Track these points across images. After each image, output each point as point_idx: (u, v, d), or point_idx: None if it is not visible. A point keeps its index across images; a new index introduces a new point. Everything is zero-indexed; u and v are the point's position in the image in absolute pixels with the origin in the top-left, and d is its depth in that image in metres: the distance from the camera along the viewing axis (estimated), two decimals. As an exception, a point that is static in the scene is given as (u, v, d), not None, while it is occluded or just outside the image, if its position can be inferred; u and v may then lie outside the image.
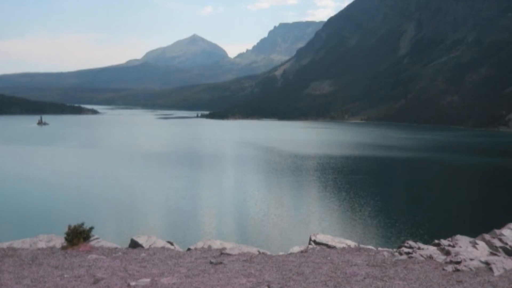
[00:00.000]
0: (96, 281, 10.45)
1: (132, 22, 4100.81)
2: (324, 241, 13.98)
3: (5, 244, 13.99)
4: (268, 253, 13.56)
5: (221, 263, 11.95)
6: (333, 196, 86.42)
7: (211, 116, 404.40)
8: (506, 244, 12.82)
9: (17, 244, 14.06)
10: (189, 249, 14.02)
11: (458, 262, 11.49)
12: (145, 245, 14.05)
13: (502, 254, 12.44)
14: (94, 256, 12.79)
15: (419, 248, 13.02)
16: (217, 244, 14.29)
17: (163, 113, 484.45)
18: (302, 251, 13.50)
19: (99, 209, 75.13)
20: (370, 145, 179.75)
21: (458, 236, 13.59)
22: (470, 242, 13.12)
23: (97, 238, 14.61)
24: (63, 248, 13.69)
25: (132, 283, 10.21)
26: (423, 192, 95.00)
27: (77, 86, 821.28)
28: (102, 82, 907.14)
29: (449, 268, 11.21)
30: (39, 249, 13.62)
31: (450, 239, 13.46)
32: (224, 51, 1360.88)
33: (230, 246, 13.95)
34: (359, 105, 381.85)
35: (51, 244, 14.13)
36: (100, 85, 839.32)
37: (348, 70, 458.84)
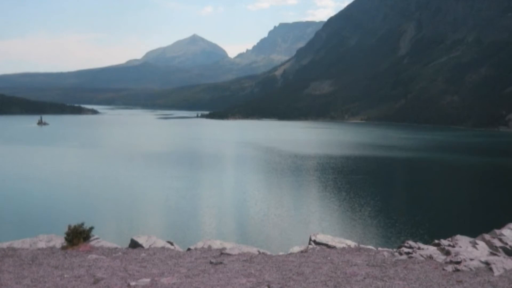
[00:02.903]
0: (96, 281, 10.45)
1: (132, 22, 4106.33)
2: (324, 241, 13.97)
3: (5, 244, 13.98)
4: (268, 253, 13.55)
5: (221, 263, 11.94)
6: (333, 196, 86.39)
7: (211, 116, 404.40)
8: (506, 244, 12.82)
9: (17, 244, 14.05)
10: (189, 249, 14.01)
11: (458, 262, 11.48)
12: (145, 245, 14.04)
13: (502, 254, 12.44)
14: (94, 256, 12.78)
15: (419, 248, 13.01)
16: (217, 244, 14.28)
17: (163, 113, 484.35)
18: (302, 251, 13.49)
19: (99, 209, 75.11)
20: (370, 145, 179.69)
21: (458, 236, 13.58)
22: (470, 242, 13.11)
23: (97, 238, 14.60)
24: (63, 248, 13.68)
25: (132, 283, 10.20)
26: (423, 192, 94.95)
27: (77, 86, 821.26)
28: (102, 82, 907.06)
29: (449, 268, 11.20)
30: (39, 249, 13.61)
31: (450, 239, 13.45)
32: (224, 51, 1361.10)
33: (230, 246, 13.94)
34: (359, 105, 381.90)
35: (51, 244, 14.12)
36: (100, 85, 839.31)
37: (348, 70, 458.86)
